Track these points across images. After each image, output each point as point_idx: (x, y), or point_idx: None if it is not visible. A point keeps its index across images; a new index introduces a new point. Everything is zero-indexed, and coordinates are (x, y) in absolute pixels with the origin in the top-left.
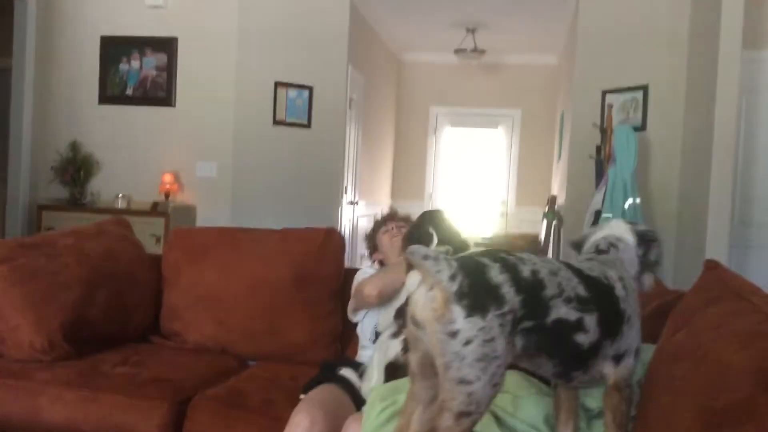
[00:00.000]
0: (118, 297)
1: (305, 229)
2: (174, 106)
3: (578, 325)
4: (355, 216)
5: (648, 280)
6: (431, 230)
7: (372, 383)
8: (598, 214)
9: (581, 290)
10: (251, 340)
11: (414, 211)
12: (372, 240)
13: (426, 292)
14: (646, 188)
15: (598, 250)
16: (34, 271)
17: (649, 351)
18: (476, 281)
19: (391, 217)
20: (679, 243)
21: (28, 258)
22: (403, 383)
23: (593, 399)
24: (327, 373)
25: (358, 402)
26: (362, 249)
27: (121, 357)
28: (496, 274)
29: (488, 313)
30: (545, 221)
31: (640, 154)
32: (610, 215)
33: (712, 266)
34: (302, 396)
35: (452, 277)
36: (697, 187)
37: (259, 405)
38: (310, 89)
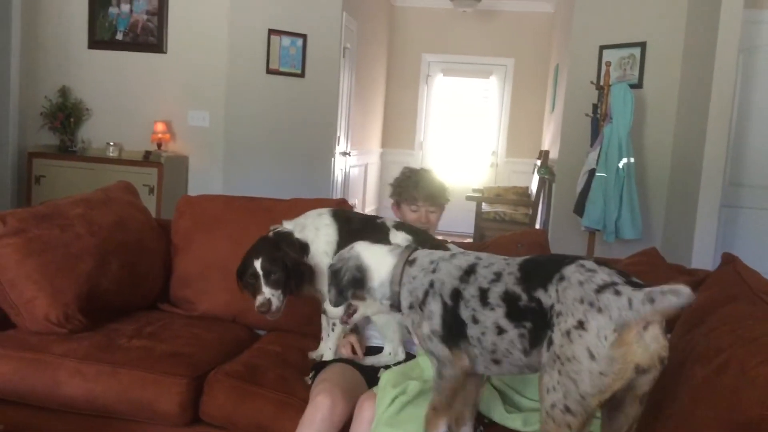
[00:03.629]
0: (129, 266)
1: (315, 200)
2: (165, 52)
3: None
4: (348, 166)
5: None
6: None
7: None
8: (592, 173)
9: None
10: None
11: (404, 161)
12: (398, 197)
13: (643, 335)
14: (639, 147)
15: None
16: (47, 242)
17: None
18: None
19: (426, 197)
20: (671, 202)
21: (41, 229)
22: (410, 367)
23: None
24: None
25: (368, 378)
26: (354, 199)
27: (134, 328)
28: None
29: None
30: (537, 177)
31: (635, 112)
32: (604, 174)
33: (728, 260)
34: (311, 375)
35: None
36: (691, 146)
37: (274, 381)
38: (304, 37)
